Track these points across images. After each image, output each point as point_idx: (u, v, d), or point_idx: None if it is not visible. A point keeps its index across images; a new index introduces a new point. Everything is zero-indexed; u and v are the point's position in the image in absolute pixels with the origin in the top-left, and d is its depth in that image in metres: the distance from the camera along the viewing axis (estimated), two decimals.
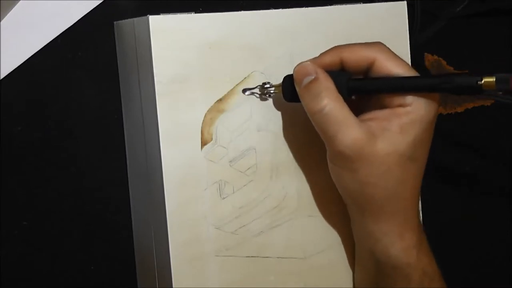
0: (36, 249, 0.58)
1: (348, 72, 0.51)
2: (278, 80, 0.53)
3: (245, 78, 0.53)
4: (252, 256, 0.54)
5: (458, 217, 0.70)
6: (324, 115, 0.49)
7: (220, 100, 0.53)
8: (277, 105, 0.54)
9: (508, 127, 0.70)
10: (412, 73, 0.50)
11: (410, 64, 0.53)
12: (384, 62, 0.50)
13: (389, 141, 0.49)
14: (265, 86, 0.53)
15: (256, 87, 0.53)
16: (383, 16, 0.57)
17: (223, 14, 0.52)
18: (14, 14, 0.56)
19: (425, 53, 0.68)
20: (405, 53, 0.57)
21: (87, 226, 0.59)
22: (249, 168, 0.54)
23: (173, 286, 0.52)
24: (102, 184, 0.59)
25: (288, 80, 0.52)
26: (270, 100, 0.54)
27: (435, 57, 0.68)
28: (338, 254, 0.57)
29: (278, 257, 0.55)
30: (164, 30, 0.51)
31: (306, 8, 0.55)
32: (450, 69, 0.68)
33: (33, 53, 0.56)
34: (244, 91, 0.53)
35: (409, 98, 0.49)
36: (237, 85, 0.53)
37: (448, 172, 0.70)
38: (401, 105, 0.50)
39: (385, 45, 0.51)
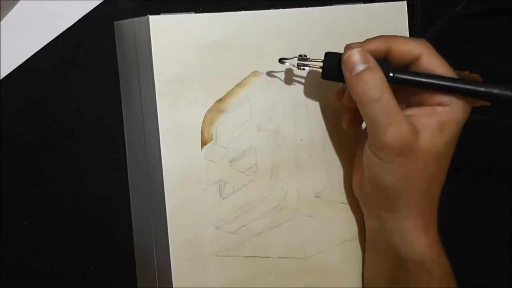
0: (36, 249, 0.58)
1: (390, 62, 0.51)
2: (278, 80, 0.53)
3: (245, 78, 0.53)
4: (252, 256, 0.54)
5: (458, 217, 0.70)
6: (381, 106, 0.49)
7: (220, 100, 0.53)
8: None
9: (508, 127, 0.70)
10: (453, 74, 0.51)
11: None
12: (430, 60, 0.50)
13: (430, 138, 0.50)
14: (304, 57, 0.53)
15: (293, 57, 0.53)
16: (383, 16, 0.57)
17: (223, 14, 0.52)
18: (14, 14, 0.56)
19: None
20: None
21: (87, 226, 0.59)
22: (249, 168, 0.54)
23: (173, 286, 0.52)
24: (102, 184, 0.59)
25: (330, 57, 0.51)
26: (270, 100, 0.54)
27: None
28: (338, 254, 0.57)
29: (278, 257, 0.55)
30: (164, 30, 0.51)
31: (306, 8, 0.55)
32: None
33: (33, 53, 0.56)
34: (280, 60, 0.53)
35: (450, 98, 0.50)
36: (237, 85, 0.53)
37: (448, 172, 0.70)
38: (440, 104, 0.50)
39: (429, 43, 0.51)
